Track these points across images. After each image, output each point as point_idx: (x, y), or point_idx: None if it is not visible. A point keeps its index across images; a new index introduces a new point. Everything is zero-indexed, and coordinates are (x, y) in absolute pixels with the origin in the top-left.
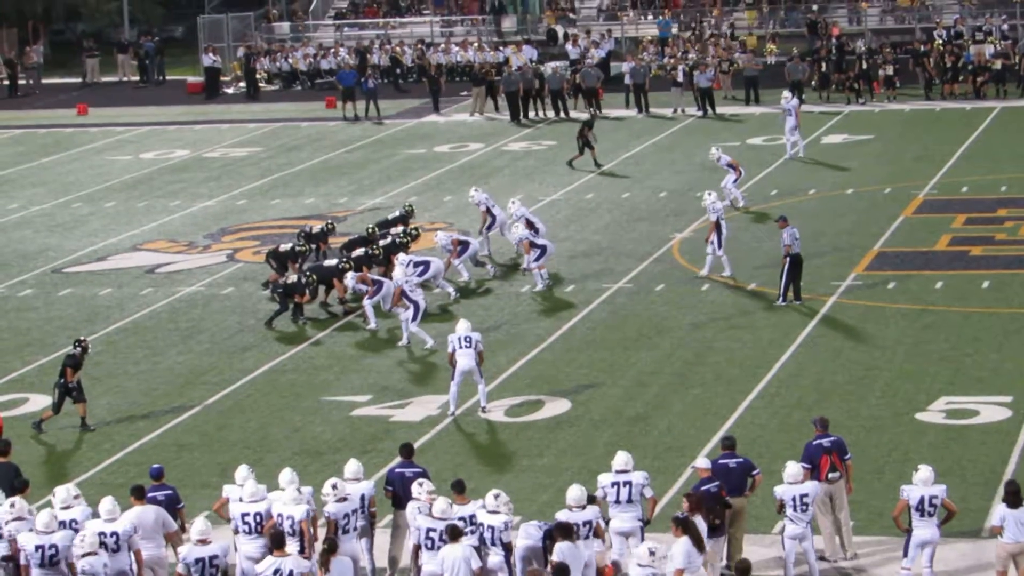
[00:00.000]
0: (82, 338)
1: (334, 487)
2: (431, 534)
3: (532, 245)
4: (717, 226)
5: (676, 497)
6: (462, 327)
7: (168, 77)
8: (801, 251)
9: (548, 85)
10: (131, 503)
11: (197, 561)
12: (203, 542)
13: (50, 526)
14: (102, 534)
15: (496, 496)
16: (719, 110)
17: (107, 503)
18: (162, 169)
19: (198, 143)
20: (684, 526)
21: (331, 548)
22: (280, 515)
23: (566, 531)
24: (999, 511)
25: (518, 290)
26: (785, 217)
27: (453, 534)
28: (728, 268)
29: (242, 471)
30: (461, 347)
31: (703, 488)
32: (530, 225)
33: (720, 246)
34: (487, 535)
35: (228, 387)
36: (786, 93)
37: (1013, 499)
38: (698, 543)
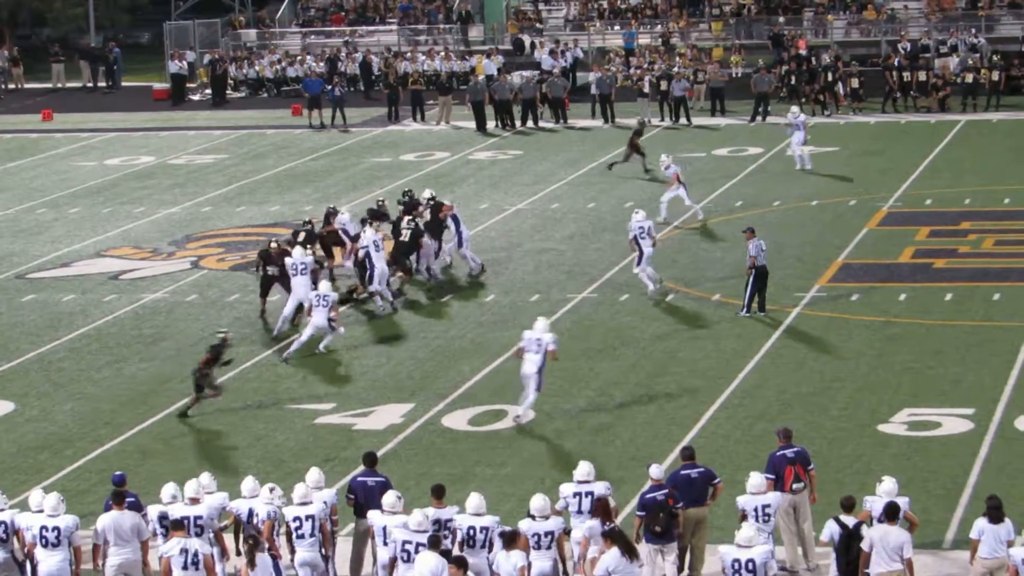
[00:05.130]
0: (224, 331)
1: (271, 490)
2: (407, 547)
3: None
4: (636, 242)
5: None
6: (539, 327)
7: (134, 84)
8: (767, 263)
9: (521, 94)
10: (110, 507)
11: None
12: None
13: None
14: (44, 528)
15: (480, 497)
16: (683, 120)
17: (52, 499)
18: (127, 175)
19: (163, 150)
20: (612, 537)
21: (256, 545)
22: (251, 510)
23: (511, 539)
24: (978, 525)
25: (483, 300)
26: (752, 228)
27: (433, 543)
28: (651, 284)
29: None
30: (529, 350)
31: (648, 496)
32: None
33: (639, 263)
34: (479, 536)
35: (191, 394)
36: (794, 108)
37: (994, 514)
38: (629, 552)
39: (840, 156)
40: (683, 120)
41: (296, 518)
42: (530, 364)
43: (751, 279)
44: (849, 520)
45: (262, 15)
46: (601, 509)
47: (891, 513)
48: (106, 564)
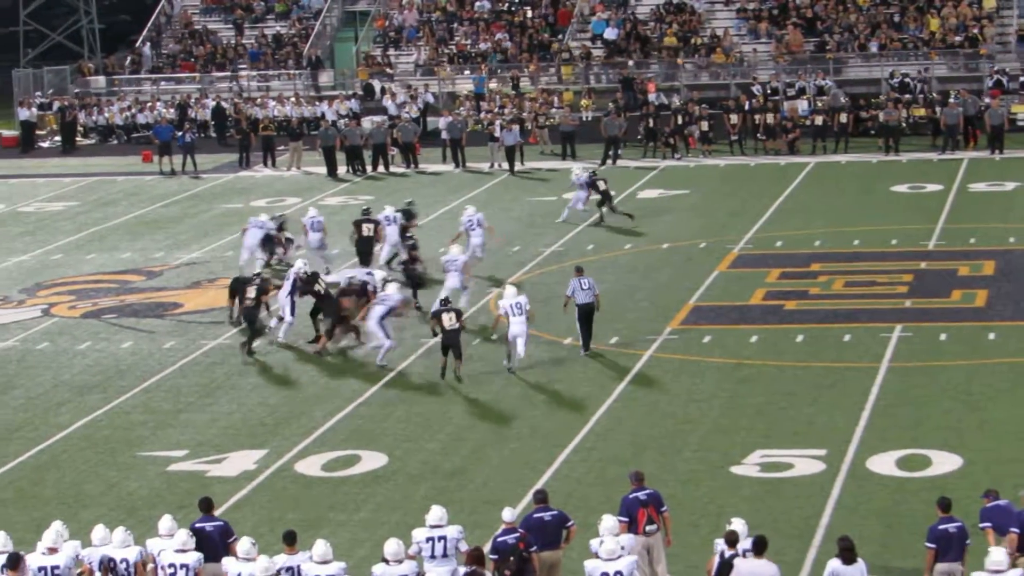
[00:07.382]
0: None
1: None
2: None
3: None
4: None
5: None
6: (510, 293)
7: None
8: (594, 302)
9: (371, 140)
10: None
11: (40, 569)
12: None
13: None
14: None
15: (326, 544)
16: (536, 165)
17: None
18: None
19: (13, 197)
20: None
21: None
22: (112, 559)
23: None
24: (830, 566)
25: (334, 344)
26: (579, 268)
27: None
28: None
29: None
30: (514, 314)
31: (500, 539)
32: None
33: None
34: None
35: (43, 443)
36: (576, 168)
37: (847, 555)
38: None
39: (690, 199)
40: (517, 167)
41: (172, 564)
42: (518, 325)
43: (577, 318)
44: (728, 552)
45: (111, 61)
46: (475, 558)
47: (759, 547)
48: None
